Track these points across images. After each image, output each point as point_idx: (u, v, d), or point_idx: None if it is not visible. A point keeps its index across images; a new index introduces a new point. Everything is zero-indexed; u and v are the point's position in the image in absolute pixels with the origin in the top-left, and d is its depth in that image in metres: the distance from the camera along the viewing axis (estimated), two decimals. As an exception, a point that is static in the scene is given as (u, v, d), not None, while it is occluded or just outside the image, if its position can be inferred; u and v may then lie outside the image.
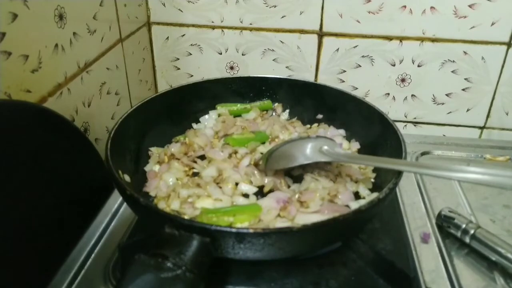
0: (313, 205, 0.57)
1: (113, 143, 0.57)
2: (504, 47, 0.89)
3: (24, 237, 0.52)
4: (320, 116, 0.77)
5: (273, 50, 0.97)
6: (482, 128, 0.99)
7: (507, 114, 0.96)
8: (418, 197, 0.69)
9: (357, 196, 0.61)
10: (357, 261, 0.55)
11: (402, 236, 0.60)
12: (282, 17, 0.93)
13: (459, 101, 0.97)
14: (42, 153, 0.56)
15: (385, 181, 0.55)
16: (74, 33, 0.67)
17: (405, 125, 1.02)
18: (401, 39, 0.92)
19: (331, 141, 0.61)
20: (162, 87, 1.06)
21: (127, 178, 0.59)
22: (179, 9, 0.96)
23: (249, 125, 0.74)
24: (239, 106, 0.79)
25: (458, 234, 0.58)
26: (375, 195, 0.54)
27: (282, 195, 0.58)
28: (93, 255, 0.56)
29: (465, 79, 0.94)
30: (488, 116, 0.97)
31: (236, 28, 0.96)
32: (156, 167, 0.66)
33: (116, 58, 0.84)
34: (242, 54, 0.99)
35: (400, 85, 0.97)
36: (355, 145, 0.70)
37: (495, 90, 0.94)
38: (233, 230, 0.43)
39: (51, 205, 0.57)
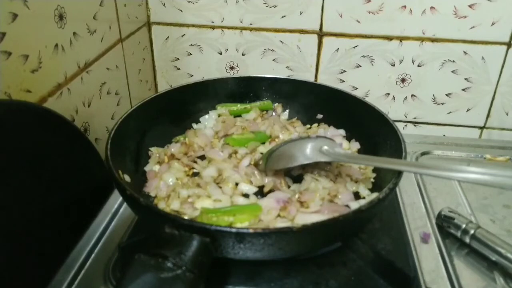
0: (313, 205, 0.57)
1: (113, 143, 0.57)
2: (504, 47, 0.89)
3: (24, 236, 0.52)
4: (320, 116, 0.77)
5: (273, 50, 0.97)
6: (482, 128, 0.99)
7: (507, 114, 0.96)
8: (418, 197, 0.69)
9: (357, 196, 0.61)
10: (357, 261, 0.55)
11: (402, 236, 0.60)
12: (282, 17, 0.94)
13: (459, 101, 0.97)
14: (42, 153, 0.56)
15: (385, 181, 0.55)
16: (74, 33, 0.67)
17: (405, 125, 1.02)
18: (401, 39, 0.92)
19: (331, 141, 0.61)
20: (162, 87, 1.06)
21: (127, 178, 0.59)
22: (179, 9, 0.96)
23: (249, 125, 0.74)
24: (239, 106, 0.79)
25: (458, 234, 0.58)
26: (375, 195, 0.53)
27: (282, 195, 0.58)
28: (93, 255, 0.56)
29: (465, 79, 0.94)
30: (488, 116, 0.97)
31: (236, 28, 0.96)
32: (156, 167, 0.66)
33: (116, 58, 0.84)
34: (242, 54, 0.99)
35: (400, 85, 0.97)
36: (355, 145, 0.70)
37: (495, 90, 0.94)
38: (233, 230, 0.43)
39: (51, 205, 0.57)
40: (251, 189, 0.62)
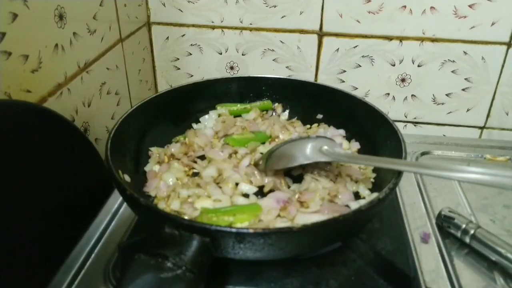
0: (313, 205, 0.57)
1: (113, 143, 0.57)
2: (504, 47, 0.89)
3: (24, 237, 0.52)
4: (320, 116, 0.77)
5: (273, 50, 0.97)
6: (482, 128, 0.99)
7: (507, 114, 0.96)
8: (418, 197, 0.69)
9: (357, 196, 0.61)
10: (357, 261, 0.55)
11: (402, 236, 0.60)
12: (282, 17, 0.94)
13: (459, 101, 0.97)
14: (42, 153, 0.56)
15: (385, 181, 0.55)
16: (74, 33, 0.67)
17: (405, 125, 1.02)
18: (401, 39, 0.92)
19: (331, 141, 0.61)
20: (162, 87, 1.06)
21: (127, 178, 0.59)
22: (179, 9, 0.96)
23: (249, 125, 0.74)
24: (239, 106, 0.79)
25: (458, 234, 0.58)
26: (375, 195, 0.54)
27: (282, 195, 0.58)
28: (93, 255, 0.56)
29: (465, 79, 0.94)
30: (488, 116, 0.97)
31: (236, 28, 0.96)
32: (156, 167, 0.66)
33: (116, 58, 0.84)
34: (242, 54, 0.99)
35: (400, 85, 0.97)
36: (355, 145, 0.70)
37: (495, 90, 0.94)
38: (233, 230, 0.43)
39: (51, 205, 0.57)
40: (251, 189, 0.61)
